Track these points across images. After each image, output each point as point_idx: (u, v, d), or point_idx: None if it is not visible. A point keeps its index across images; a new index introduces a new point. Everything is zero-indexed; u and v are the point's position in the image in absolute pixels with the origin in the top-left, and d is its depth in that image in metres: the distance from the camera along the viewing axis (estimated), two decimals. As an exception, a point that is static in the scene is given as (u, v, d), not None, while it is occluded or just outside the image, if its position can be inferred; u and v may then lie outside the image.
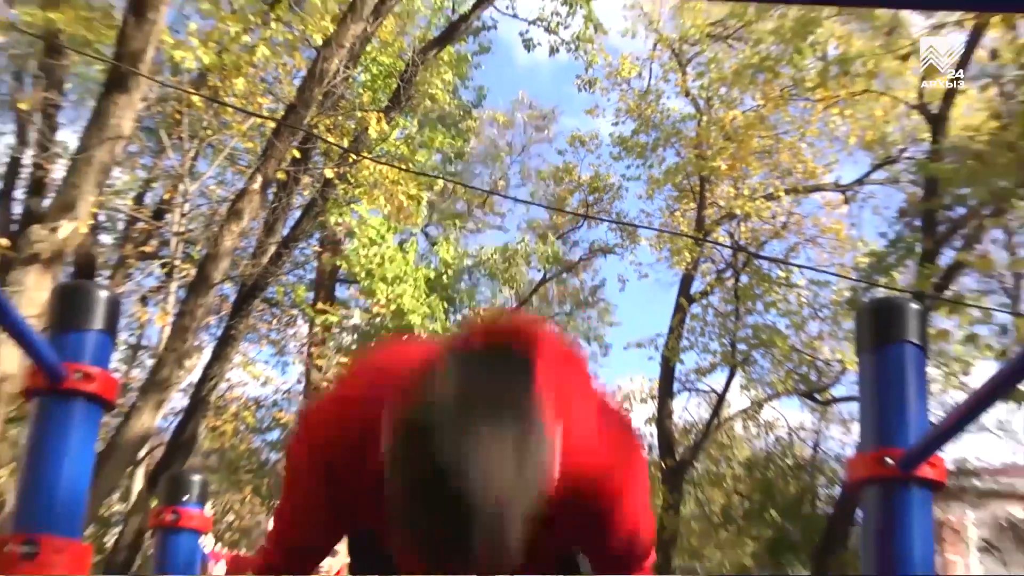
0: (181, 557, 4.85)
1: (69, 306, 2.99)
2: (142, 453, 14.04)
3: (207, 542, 5.02)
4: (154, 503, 5.63)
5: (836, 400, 23.03)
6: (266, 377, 19.50)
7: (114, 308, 3.05)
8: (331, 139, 14.33)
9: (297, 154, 13.19)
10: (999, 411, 20.34)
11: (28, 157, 15.24)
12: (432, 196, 19.87)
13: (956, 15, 15.44)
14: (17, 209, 15.69)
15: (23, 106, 14.82)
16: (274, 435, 21.14)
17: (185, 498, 4.93)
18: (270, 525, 2.59)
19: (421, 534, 1.96)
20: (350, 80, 14.40)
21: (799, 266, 20.91)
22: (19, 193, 15.86)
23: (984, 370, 15.39)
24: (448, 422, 1.89)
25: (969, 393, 2.64)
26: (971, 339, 14.76)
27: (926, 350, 2.94)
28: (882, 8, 15.75)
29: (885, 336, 2.90)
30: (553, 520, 2.17)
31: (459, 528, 1.88)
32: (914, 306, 2.96)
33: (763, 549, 24.51)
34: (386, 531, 2.23)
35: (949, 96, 17.67)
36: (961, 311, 15.34)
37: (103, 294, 3.03)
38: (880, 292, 16.25)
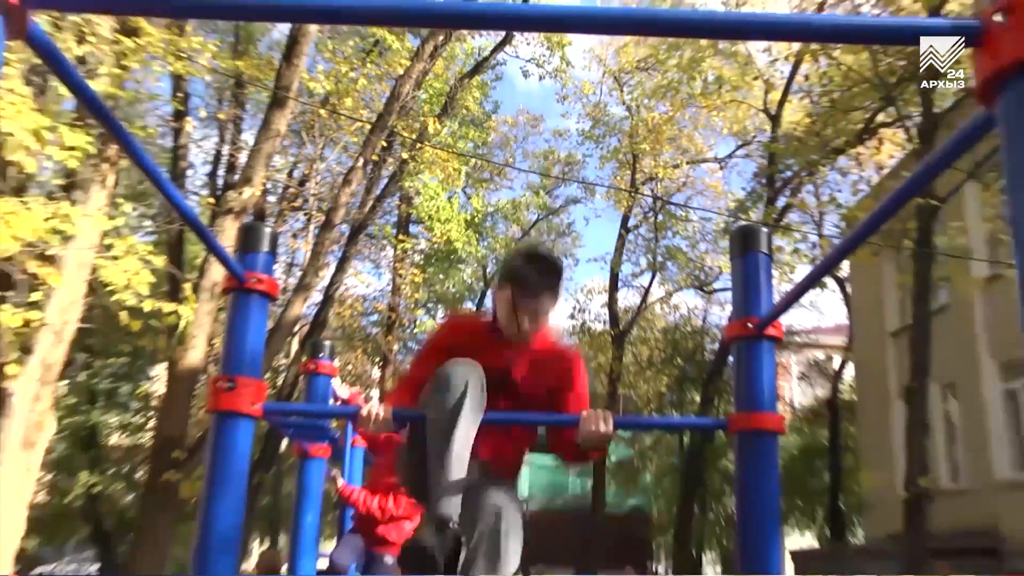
0: (319, 390, 4.90)
1: (249, 238, 2.98)
2: (295, 329, 14.12)
3: (335, 382, 5.04)
4: (303, 358, 5.68)
5: (716, 290, 23.16)
6: (368, 282, 19.83)
7: (275, 239, 3.07)
8: (405, 134, 14.25)
9: (384, 144, 13.12)
10: (811, 295, 20.64)
11: (225, 149, 15.20)
12: (468, 169, 19.73)
13: (787, 51, 15.30)
14: (219, 181, 15.71)
15: (221, 117, 14.75)
16: (374, 318, 21.37)
17: (321, 355, 4.97)
18: (389, 380, 2.84)
19: (529, 253, 2.76)
20: (416, 98, 14.26)
21: (693, 208, 20.98)
22: (220, 171, 15.86)
23: (802, 270, 15.39)
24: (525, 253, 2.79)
25: (794, 284, 2.63)
26: (795, 252, 14.85)
27: (771, 257, 2.93)
28: (731, 40, 15.49)
29: (747, 249, 2.90)
30: (555, 350, 2.90)
31: (544, 255, 2.75)
32: (763, 231, 2.96)
33: (672, 381, 24.79)
34: (472, 354, 2.74)
35: (781, 102, 17.81)
36: (789, 234, 15.44)
37: (268, 230, 3.02)
38: (742, 223, 16.26)
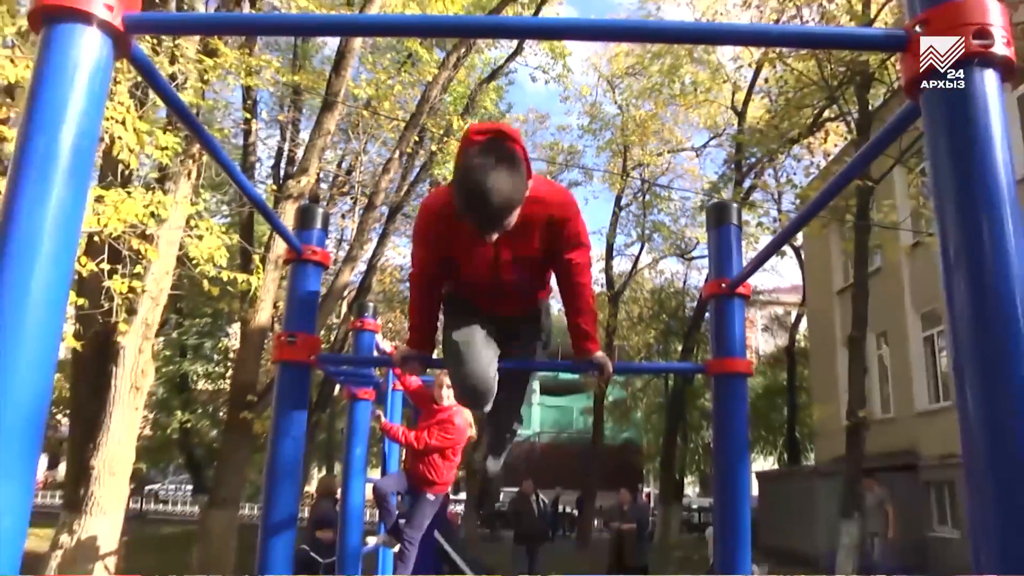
0: (365, 343, 4.88)
1: (305, 217, 2.99)
2: (344, 293, 14.10)
3: (378, 337, 5.03)
4: (351, 318, 5.68)
5: (695, 257, 22.81)
6: (404, 254, 19.56)
7: (327, 219, 3.07)
8: (434, 130, 14.16)
9: (417, 139, 13.02)
10: (772, 260, 20.42)
11: (286, 146, 15.13)
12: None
13: (750, 59, 15.12)
14: (281, 172, 15.60)
15: (282, 119, 14.70)
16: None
17: (366, 315, 4.95)
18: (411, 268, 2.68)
19: (468, 197, 2.11)
20: (442, 100, 14.12)
21: (675, 189, 20.70)
22: (282, 164, 15.77)
23: (765, 240, 15.26)
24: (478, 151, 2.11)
25: (759, 251, 2.62)
26: (759, 225, 14.75)
27: (740, 229, 2.92)
28: (721, 45, 15.25)
29: (720, 222, 2.88)
30: (538, 214, 2.35)
31: (484, 199, 2.07)
32: (733, 207, 2.93)
33: (659, 334, 24.70)
34: (455, 246, 2.44)
35: (746, 101, 17.76)
36: (754, 210, 15.34)
37: (321, 212, 3.03)
38: (716, 201, 16.14)
